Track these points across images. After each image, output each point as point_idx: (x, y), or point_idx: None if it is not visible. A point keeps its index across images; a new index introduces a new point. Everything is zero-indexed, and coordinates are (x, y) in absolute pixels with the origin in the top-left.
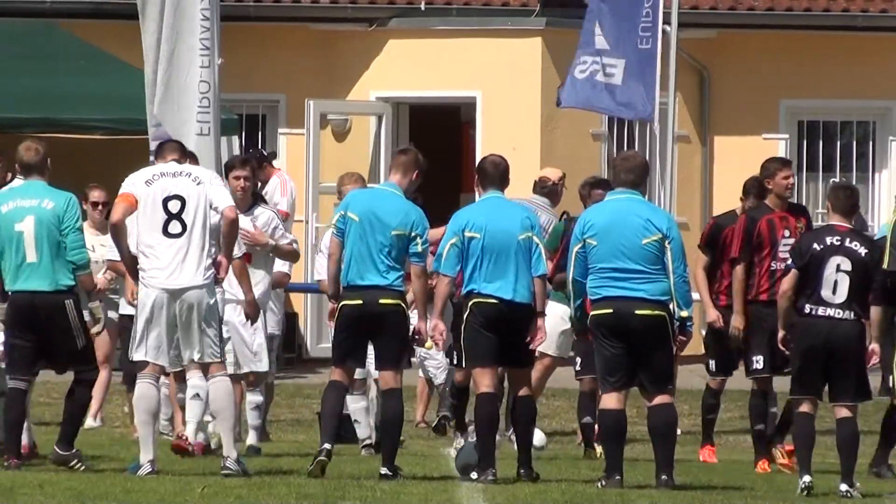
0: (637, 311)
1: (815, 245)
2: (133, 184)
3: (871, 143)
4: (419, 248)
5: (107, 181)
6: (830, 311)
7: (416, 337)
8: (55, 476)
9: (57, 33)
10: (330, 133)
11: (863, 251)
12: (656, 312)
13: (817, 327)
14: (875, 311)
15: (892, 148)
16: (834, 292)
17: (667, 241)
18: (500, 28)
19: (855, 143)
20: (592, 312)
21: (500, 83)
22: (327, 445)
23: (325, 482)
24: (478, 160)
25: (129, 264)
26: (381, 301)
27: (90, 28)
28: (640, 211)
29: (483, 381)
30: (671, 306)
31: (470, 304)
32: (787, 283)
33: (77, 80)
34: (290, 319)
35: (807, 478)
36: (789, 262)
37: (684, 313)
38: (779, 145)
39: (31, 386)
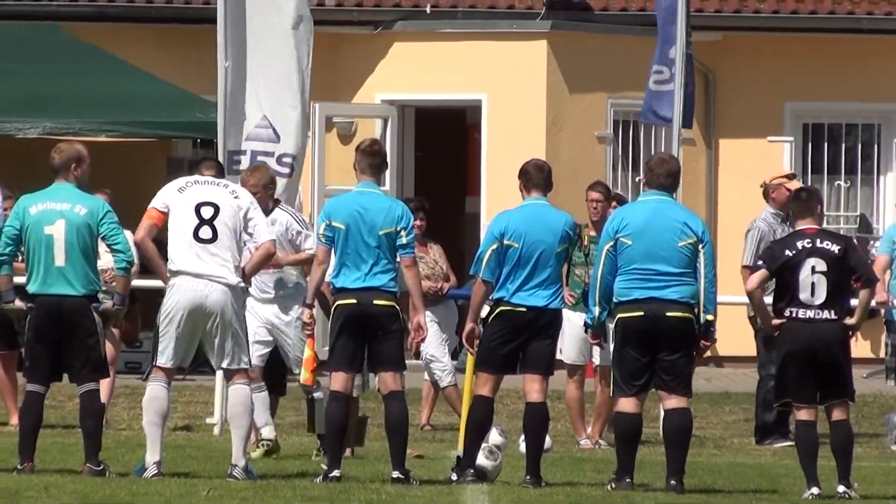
0: (668, 314)
1: (787, 251)
2: (163, 197)
3: (875, 145)
4: (404, 241)
5: (111, 184)
6: (811, 313)
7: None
8: (60, 479)
9: (60, 36)
10: (335, 136)
11: (836, 249)
12: (686, 315)
13: (799, 330)
14: (864, 293)
15: None
16: (813, 294)
17: (701, 245)
18: (506, 31)
19: (860, 145)
20: (620, 315)
21: (506, 86)
22: (336, 472)
23: (331, 485)
24: (483, 163)
25: (161, 273)
26: (376, 302)
27: (94, 31)
28: (676, 213)
29: (486, 385)
30: (696, 310)
31: (497, 310)
32: (753, 281)
33: (81, 82)
34: None
35: (815, 489)
36: (759, 262)
37: (710, 317)
38: (784, 148)
39: (47, 391)
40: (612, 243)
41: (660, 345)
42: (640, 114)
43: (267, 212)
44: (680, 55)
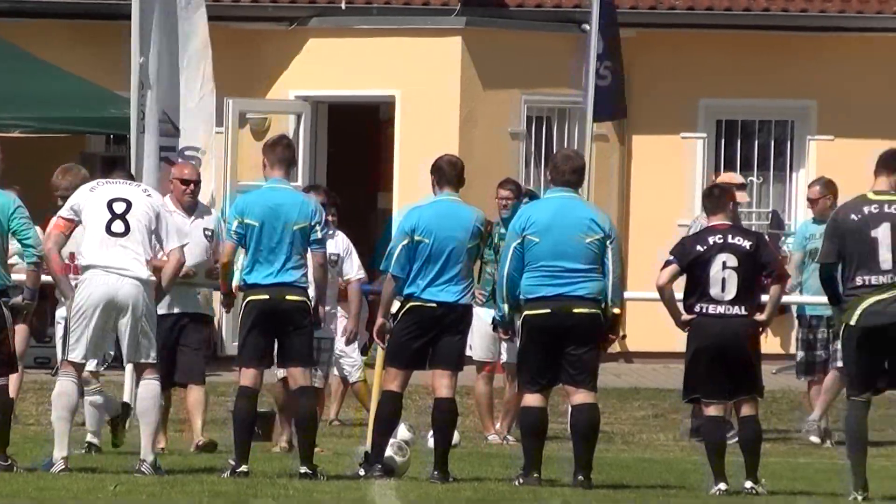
0: (575, 310)
1: (698, 247)
2: (71, 203)
3: (788, 142)
4: (319, 236)
5: (24, 180)
6: (721, 309)
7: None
8: None
9: None
10: (249, 132)
11: (747, 244)
12: (592, 311)
13: (709, 326)
14: (774, 290)
15: (810, 147)
16: (723, 290)
17: (608, 242)
18: (420, 27)
19: (773, 142)
20: (527, 312)
21: (420, 82)
22: (244, 468)
23: (238, 480)
24: (396, 159)
25: (64, 289)
26: (288, 298)
27: (6, 27)
28: (582, 210)
29: (395, 381)
30: (603, 305)
31: (407, 306)
32: (664, 277)
33: None
34: None
35: (722, 485)
36: (670, 257)
37: (616, 310)
38: (697, 144)
39: None
40: (518, 241)
41: (567, 340)
42: (553, 110)
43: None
44: (593, 51)
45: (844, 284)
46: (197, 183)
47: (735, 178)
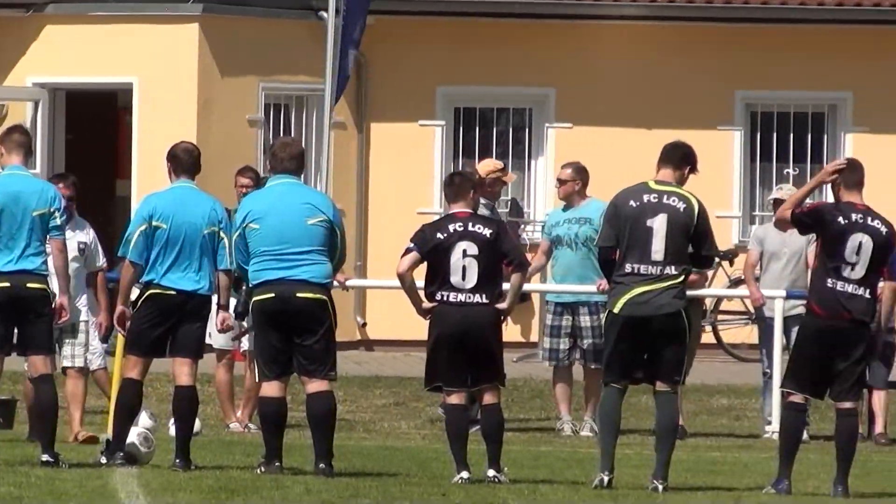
0: (298, 294)
1: (439, 234)
2: None
3: (527, 129)
4: (58, 222)
5: None
6: (462, 297)
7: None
8: None
9: None
10: None
11: (487, 232)
12: (318, 295)
13: (450, 314)
14: (515, 278)
15: (548, 135)
16: (464, 278)
17: (332, 225)
18: (157, 14)
19: (511, 129)
20: (255, 298)
21: (157, 69)
22: None
23: None
24: (134, 146)
25: None
26: (29, 285)
27: None
28: (302, 195)
29: (135, 368)
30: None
31: (147, 293)
32: (404, 265)
33: None
34: None
35: (465, 473)
36: (411, 244)
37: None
38: (435, 132)
39: None
40: (239, 232)
41: (293, 326)
42: (290, 97)
43: None
44: (331, 37)
45: (615, 270)
46: None
47: (498, 163)
